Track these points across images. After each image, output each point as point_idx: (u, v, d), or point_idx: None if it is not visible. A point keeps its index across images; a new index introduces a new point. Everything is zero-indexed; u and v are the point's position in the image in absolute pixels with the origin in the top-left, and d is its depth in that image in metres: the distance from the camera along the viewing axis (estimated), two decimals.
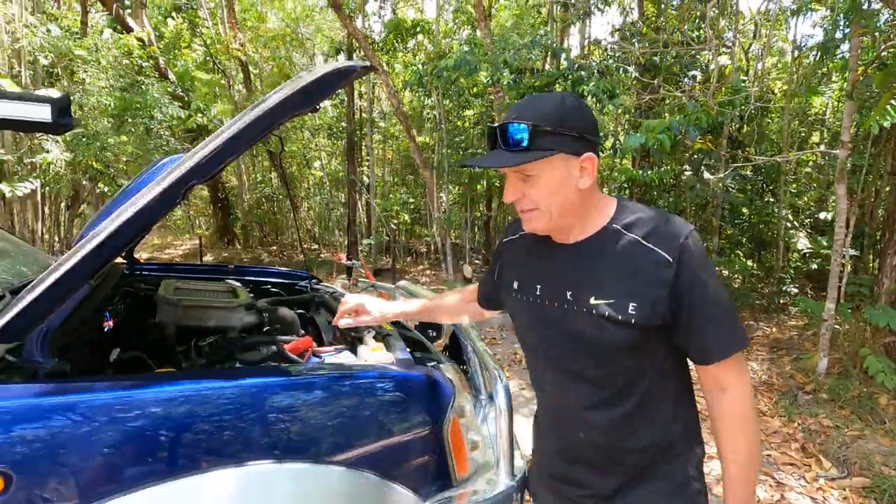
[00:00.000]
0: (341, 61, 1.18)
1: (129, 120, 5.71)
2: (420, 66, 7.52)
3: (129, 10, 9.55)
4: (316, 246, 13.09)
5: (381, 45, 9.72)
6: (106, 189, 7.66)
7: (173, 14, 12.37)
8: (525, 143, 0.86)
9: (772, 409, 3.56)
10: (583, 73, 5.49)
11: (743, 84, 4.24)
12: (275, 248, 12.73)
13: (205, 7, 12.16)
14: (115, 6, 9.15)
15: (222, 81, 11.63)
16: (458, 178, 9.72)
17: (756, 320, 5.88)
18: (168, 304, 1.50)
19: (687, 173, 6.68)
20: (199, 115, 6.40)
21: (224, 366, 1.41)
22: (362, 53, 9.78)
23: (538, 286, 0.99)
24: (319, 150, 12.49)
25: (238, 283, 1.95)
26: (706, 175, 6.13)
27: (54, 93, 4.90)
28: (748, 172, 6.13)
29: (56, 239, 7.33)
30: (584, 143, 0.89)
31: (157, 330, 1.51)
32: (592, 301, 0.90)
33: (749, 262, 7.47)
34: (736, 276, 7.22)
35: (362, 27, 10.20)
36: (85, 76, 5.49)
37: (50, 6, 7.98)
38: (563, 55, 5.91)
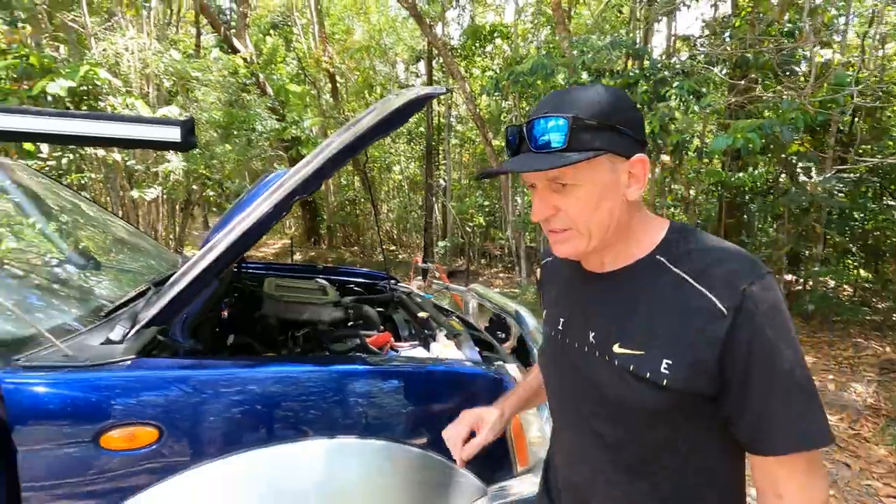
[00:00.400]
0: (424, 87, 1.32)
1: (235, 132, 6.40)
2: (496, 72, 7.60)
3: (234, 31, 10.62)
4: (394, 247, 13.64)
5: (459, 50, 9.96)
6: (212, 193, 8.58)
7: (271, 32, 13.52)
8: (561, 143, 0.68)
9: (877, 436, 3.23)
10: (666, 73, 5.29)
11: (849, 79, 3.88)
12: (356, 248, 13.45)
13: (298, 24, 13.17)
14: (222, 28, 10.21)
15: (312, 92, 12.52)
16: None
17: (866, 338, 5.31)
18: (271, 299, 1.74)
19: (784, 177, 6.18)
20: (294, 126, 6.98)
21: (316, 354, 1.61)
22: (441, 60, 10.09)
23: (562, 319, 0.84)
24: (399, 155, 13.02)
25: (326, 282, 2.18)
26: (801, 178, 5.63)
27: (174, 109, 5.62)
28: (855, 175, 5.55)
29: (172, 237, 8.34)
30: (634, 142, 0.71)
31: (262, 320, 1.75)
32: (616, 349, 0.73)
33: (862, 273, 6.72)
34: (843, 287, 6.53)
35: (442, 34, 10.51)
36: (199, 94, 6.22)
37: (171, 31, 9.08)
38: (646, 55, 5.73)
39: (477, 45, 9.69)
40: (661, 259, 0.73)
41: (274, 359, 1.22)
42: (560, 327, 0.84)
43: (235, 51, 9.66)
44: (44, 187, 2.00)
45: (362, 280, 2.64)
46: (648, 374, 0.69)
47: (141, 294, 1.48)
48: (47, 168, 4.85)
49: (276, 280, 2.03)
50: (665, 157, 6.09)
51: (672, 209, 8.96)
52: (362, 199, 13.48)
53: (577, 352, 0.79)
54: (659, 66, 5.50)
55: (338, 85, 12.88)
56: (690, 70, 5.31)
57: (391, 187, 14.49)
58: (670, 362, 0.68)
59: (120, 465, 0.98)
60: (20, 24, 5.76)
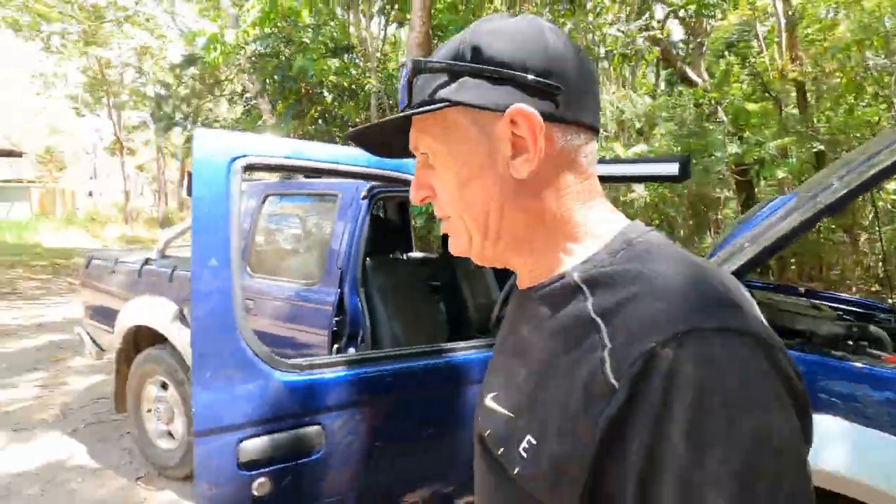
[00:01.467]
0: None
1: (694, 161, 6.81)
2: None
3: (688, 62, 11.06)
4: (879, 287, 10.48)
5: None
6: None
7: (725, 53, 13.16)
8: (406, 99, 0.51)
9: None
10: None
11: None
12: (815, 283, 11.18)
13: (760, 35, 12.24)
14: (677, 63, 10.84)
15: (771, 107, 11.36)
16: None
17: None
18: (765, 305, 2.00)
19: None
20: (758, 148, 6.75)
21: None
22: None
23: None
24: None
25: (818, 301, 2.22)
26: None
27: (643, 147, 6.54)
28: None
29: None
30: (517, 88, 0.46)
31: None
32: (487, 402, 0.51)
33: None
34: None
35: None
36: (661, 130, 6.99)
37: (636, 81, 10.44)
38: None
39: None
40: (575, 280, 0.46)
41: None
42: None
43: (689, 82, 10.07)
44: None
45: (853, 308, 2.46)
46: (501, 451, 0.46)
47: None
48: None
49: (757, 292, 2.26)
50: None
51: None
52: (830, 227, 11.07)
53: (479, 402, 0.57)
54: None
55: (806, 94, 11.15)
56: None
57: (880, 211, 11.19)
58: (534, 443, 0.42)
59: None
60: None
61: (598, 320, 0.41)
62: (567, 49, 0.48)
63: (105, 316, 3.28)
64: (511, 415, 0.46)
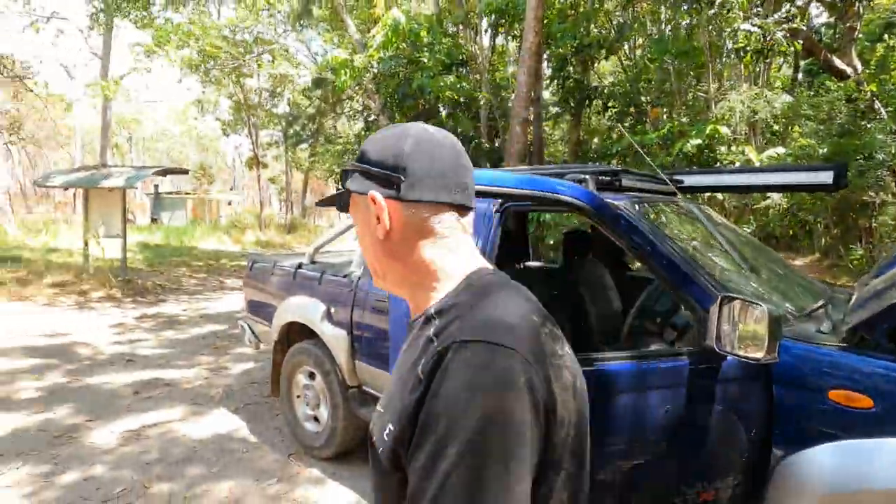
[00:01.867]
0: None
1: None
2: None
3: (836, 50, 9.72)
4: None
5: None
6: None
7: (884, 36, 11.36)
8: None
9: None
10: None
11: None
12: None
13: None
14: (822, 51, 9.59)
15: None
16: None
17: None
18: None
19: None
20: None
21: None
22: None
23: None
24: None
25: None
26: None
27: (779, 150, 5.95)
28: None
29: None
30: (373, 179, 0.68)
31: None
32: (377, 405, 0.69)
33: None
34: None
35: None
36: (804, 129, 6.30)
37: (768, 76, 9.47)
38: None
39: None
40: (432, 312, 0.65)
41: None
42: None
43: (837, 73, 8.86)
44: (714, 220, 2.83)
45: None
46: (374, 438, 0.63)
47: (820, 307, 1.93)
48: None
49: None
50: None
51: None
52: None
53: None
54: None
55: None
56: None
57: None
58: (392, 428, 0.60)
59: (837, 415, 1.44)
60: (658, 104, 7.78)
61: (434, 338, 0.60)
62: (420, 149, 0.67)
63: (263, 311, 3.82)
64: (383, 411, 0.65)
